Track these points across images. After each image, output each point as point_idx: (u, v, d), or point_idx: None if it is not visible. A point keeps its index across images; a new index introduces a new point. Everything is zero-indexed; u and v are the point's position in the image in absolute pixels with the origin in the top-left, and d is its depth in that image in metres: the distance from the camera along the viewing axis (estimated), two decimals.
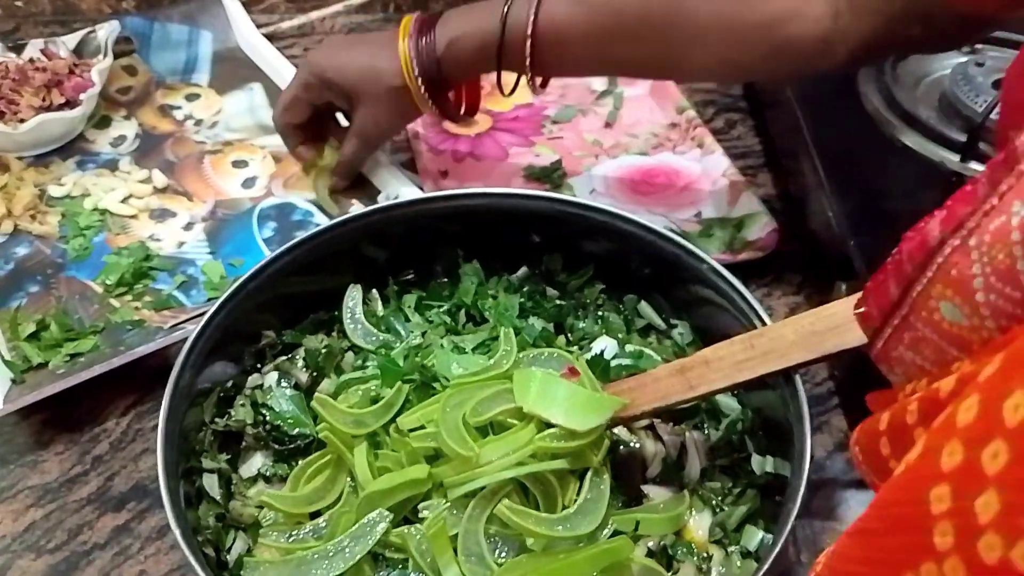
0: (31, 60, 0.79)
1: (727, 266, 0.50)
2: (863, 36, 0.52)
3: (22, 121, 0.72)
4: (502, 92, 0.62)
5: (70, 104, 0.75)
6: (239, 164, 0.74)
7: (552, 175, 0.73)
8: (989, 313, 0.31)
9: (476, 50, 0.58)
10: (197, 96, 0.82)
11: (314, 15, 0.93)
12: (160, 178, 0.72)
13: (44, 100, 0.75)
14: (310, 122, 0.68)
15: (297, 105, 0.66)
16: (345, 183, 0.69)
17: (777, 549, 0.39)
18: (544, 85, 0.62)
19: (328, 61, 0.63)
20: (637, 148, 0.76)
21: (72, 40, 0.81)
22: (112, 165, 0.74)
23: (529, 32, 0.56)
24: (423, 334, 0.53)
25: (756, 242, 0.65)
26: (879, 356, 0.39)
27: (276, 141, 0.77)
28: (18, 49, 0.80)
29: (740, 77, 0.60)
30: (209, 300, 0.61)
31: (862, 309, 0.39)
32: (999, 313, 0.31)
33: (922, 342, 0.35)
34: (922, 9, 0.49)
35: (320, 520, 0.44)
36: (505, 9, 0.56)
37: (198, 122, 0.79)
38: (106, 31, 0.80)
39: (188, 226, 0.68)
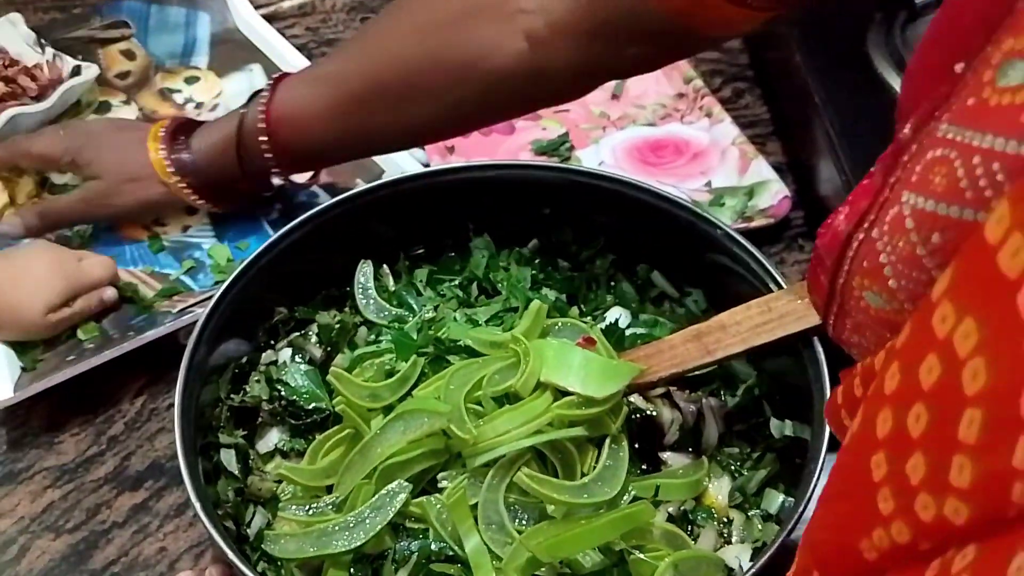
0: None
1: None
2: (573, 63, 0.48)
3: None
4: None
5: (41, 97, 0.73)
6: None
7: (559, 148, 0.73)
8: (904, 297, 0.32)
9: (222, 153, 0.58)
10: (197, 79, 0.82)
11: None
12: None
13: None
14: None
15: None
16: (36, 229, 0.61)
17: (800, 510, 0.38)
18: (314, 178, 0.64)
19: (81, 153, 0.61)
20: (645, 119, 0.75)
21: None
22: None
23: (262, 114, 0.55)
24: (436, 308, 0.53)
25: (768, 209, 0.64)
26: (835, 338, 0.40)
27: None
28: None
29: (474, 121, 0.57)
30: (216, 284, 0.61)
31: (812, 296, 0.41)
32: (913, 296, 0.32)
33: (861, 326, 0.37)
34: (640, 29, 0.46)
35: (339, 492, 0.44)
36: (243, 109, 0.56)
37: (199, 105, 0.79)
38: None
39: (192, 210, 0.68)
